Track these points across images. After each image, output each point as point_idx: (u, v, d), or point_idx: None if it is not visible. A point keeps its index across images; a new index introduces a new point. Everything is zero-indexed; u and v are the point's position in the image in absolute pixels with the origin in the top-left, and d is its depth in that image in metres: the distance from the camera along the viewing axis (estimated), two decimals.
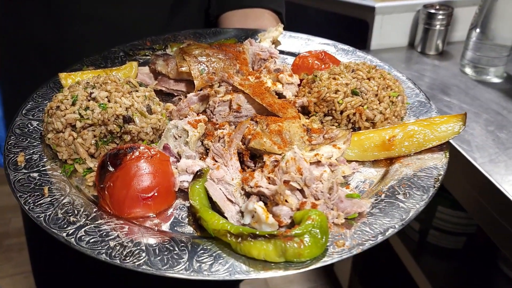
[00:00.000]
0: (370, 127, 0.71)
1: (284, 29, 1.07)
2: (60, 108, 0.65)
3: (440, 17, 1.41)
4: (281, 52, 0.95)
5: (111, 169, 0.57)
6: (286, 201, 0.55)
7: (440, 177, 0.61)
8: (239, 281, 1.68)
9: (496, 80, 1.32)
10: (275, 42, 0.96)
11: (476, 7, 1.27)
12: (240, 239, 0.50)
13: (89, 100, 0.65)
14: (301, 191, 0.57)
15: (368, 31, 1.51)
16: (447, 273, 1.45)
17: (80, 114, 0.64)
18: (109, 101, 0.66)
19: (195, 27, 1.11)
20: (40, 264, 1.27)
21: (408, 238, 1.53)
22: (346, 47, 0.94)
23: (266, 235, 0.49)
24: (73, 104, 0.65)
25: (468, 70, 1.35)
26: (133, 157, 0.58)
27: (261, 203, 0.55)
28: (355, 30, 1.60)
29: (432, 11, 1.42)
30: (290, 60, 0.93)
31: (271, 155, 0.61)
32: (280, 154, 0.60)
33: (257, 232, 0.50)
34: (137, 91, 0.70)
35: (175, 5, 1.03)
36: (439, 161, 0.64)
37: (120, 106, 0.65)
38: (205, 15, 1.13)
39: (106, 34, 0.98)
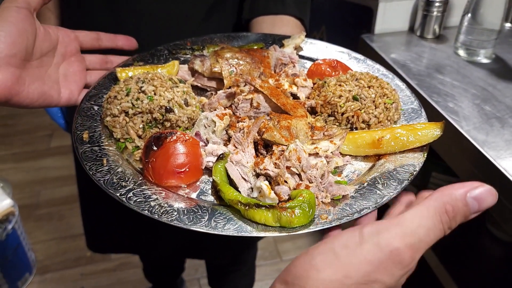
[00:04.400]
0: (366, 128, 0.85)
1: (307, 34, 1.22)
2: (117, 97, 0.83)
3: (437, 4, 1.60)
4: (302, 57, 1.10)
5: (154, 148, 0.74)
6: (285, 181, 0.71)
7: (414, 173, 0.75)
8: (255, 243, 1.88)
9: (485, 60, 1.50)
10: (297, 48, 1.10)
11: None
12: (247, 207, 0.66)
13: (139, 93, 0.83)
14: (299, 175, 0.72)
15: (372, 16, 1.70)
16: None
17: (132, 103, 0.81)
18: (155, 94, 0.83)
19: (229, 27, 1.28)
20: (92, 224, 1.49)
21: None
22: (358, 56, 1.07)
23: (267, 205, 0.65)
24: (127, 95, 0.83)
25: (461, 52, 1.53)
26: (171, 140, 0.74)
27: (266, 182, 0.71)
28: (360, 16, 1.79)
29: None
30: (309, 64, 1.07)
31: (279, 145, 0.76)
32: (286, 145, 0.76)
33: (260, 203, 0.66)
34: (177, 86, 0.87)
35: (213, 7, 1.20)
36: (417, 159, 0.78)
37: (164, 99, 0.83)
38: (237, 18, 1.29)
39: (155, 28, 1.17)
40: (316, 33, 2.26)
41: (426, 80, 1.39)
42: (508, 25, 1.78)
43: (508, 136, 1.14)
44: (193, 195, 0.73)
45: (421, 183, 1.63)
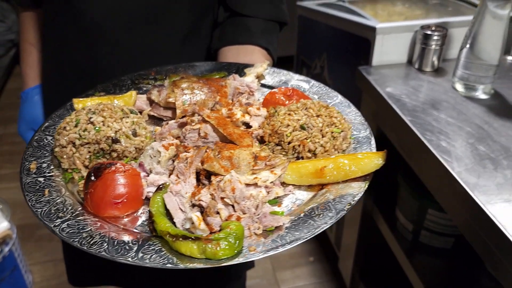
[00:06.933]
0: (312, 157, 0.85)
1: (274, 63, 1.24)
2: (66, 128, 0.84)
3: (435, 37, 1.55)
4: (264, 85, 1.11)
5: (93, 178, 0.75)
6: (217, 212, 0.71)
7: (352, 203, 0.74)
8: (240, 271, 1.85)
9: (484, 96, 1.42)
10: (260, 77, 1.12)
11: None
12: (175, 238, 0.66)
13: (88, 124, 0.84)
14: (233, 206, 0.72)
15: (370, 48, 1.67)
16: (436, 270, 1.58)
17: (79, 134, 0.83)
18: (103, 124, 0.85)
19: (202, 57, 1.30)
20: (71, 252, 1.50)
21: (403, 238, 1.68)
22: (317, 83, 1.08)
23: (193, 237, 0.65)
24: (76, 126, 0.84)
25: (459, 87, 1.47)
26: (110, 171, 0.75)
27: (198, 213, 0.71)
28: (359, 46, 1.77)
29: (428, 32, 1.56)
30: None
31: (218, 176, 0.77)
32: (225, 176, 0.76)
33: (187, 235, 0.66)
34: (128, 117, 0.88)
35: (187, 38, 1.22)
36: (358, 189, 0.77)
37: (111, 130, 0.84)
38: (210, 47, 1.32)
39: (129, 58, 1.19)
40: (317, 60, 2.27)
41: (420, 116, 1.34)
42: (510, 58, 1.69)
43: (501, 179, 1.08)
44: (131, 226, 0.74)
45: (417, 219, 1.59)
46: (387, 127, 1.56)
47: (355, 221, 1.95)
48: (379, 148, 0.86)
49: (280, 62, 1.28)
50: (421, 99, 1.45)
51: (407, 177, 1.60)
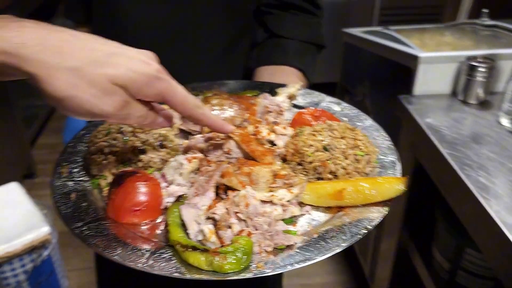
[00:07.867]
0: (333, 178, 0.84)
1: (311, 84, 1.25)
2: (97, 137, 0.89)
3: (481, 69, 1.49)
4: (295, 106, 1.11)
5: (115, 186, 0.78)
6: (229, 227, 0.71)
7: (369, 227, 0.72)
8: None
9: None
10: (292, 97, 1.12)
11: None
12: (184, 248, 0.67)
13: (118, 133, 0.88)
14: (246, 221, 0.72)
15: (412, 77, 1.64)
16: None
17: (109, 143, 0.87)
18: (132, 135, 0.88)
19: (240, 70, 1.32)
20: (102, 262, 1.54)
21: (438, 277, 1.59)
22: (347, 106, 1.07)
23: (201, 248, 0.66)
24: (106, 135, 0.88)
25: (505, 121, 1.40)
26: (132, 179, 0.78)
27: (210, 226, 0.72)
28: (401, 75, 1.75)
29: (474, 63, 1.50)
30: None
31: (235, 191, 0.77)
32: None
33: (196, 246, 0.67)
34: (156, 129, 0.92)
35: (223, 56, 1.25)
36: (377, 214, 0.75)
37: (138, 140, 0.87)
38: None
39: (168, 71, 1.22)
40: (360, 87, 2.26)
41: (460, 149, 1.29)
42: None
43: None
44: (149, 234, 0.76)
45: (454, 258, 1.51)
46: (424, 159, 1.51)
47: (390, 255, 1.88)
48: (409, 178, 0.83)
49: (323, 89, 1.28)
50: (462, 132, 1.39)
51: (445, 212, 1.53)
